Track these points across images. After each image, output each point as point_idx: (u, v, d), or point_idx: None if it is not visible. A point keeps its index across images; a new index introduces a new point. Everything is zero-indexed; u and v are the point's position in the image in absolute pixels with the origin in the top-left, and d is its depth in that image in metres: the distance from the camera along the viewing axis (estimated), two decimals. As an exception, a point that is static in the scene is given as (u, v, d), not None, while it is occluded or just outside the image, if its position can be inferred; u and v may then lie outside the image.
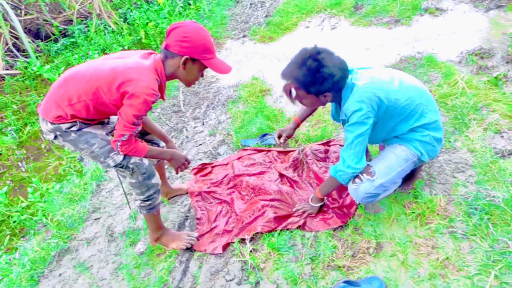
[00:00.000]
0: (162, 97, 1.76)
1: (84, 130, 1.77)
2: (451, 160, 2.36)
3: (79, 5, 5.40)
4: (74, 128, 1.75)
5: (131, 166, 1.81)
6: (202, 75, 1.82)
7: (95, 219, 2.41)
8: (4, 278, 2.11)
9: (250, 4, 5.60)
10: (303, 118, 2.38)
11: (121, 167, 1.81)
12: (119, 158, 1.78)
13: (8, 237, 2.49)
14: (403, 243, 1.91)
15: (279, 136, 2.33)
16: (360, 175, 1.91)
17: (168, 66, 1.72)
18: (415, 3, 4.65)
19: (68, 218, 2.42)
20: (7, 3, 4.78)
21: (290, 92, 1.88)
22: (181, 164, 2.02)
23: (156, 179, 1.93)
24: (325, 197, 2.18)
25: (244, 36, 4.72)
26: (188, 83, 1.81)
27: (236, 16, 5.29)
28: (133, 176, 1.84)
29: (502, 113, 2.64)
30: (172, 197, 2.47)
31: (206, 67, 1.74)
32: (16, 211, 2.65)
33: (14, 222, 2.59)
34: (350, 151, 1.84)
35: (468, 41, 3.74)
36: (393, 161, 1.92)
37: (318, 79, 1.75)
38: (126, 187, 2.41)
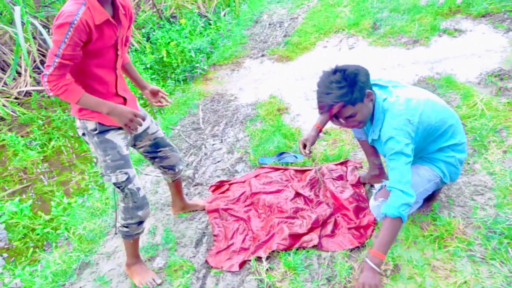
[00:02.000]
0: (104, 17, 1.59)
1: (106, 137, 1.80)
2: (470, 182, 2.35)
3: (104, 25, 5.59)
4: (97, 131, 1.79)
5: (126, 190, 1.85)
6: None
7: (116, 234, 2.46)
8: (26, 289, 2.17)
9: (269, 24, 5.71)
10: (324, 124, 2.27)
11: (118, 187, 1.85)
12: (122, 178, 1.82)
13: (31, 249, 2.57)
14: (421, 266, 1.90)
15: (304, 146, 2.19)
16: (380, 195, 1.92)
17: None
18: (434, 23, 4.67)
19: (89, 232, 2.48)
20: (38, 22, 5.00)
21: (337, 117, 1.85)
22: (129, 120, 1.74)
23: (144, 214, 1.93)
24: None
25: (262, 56, 4.80)
26: None
27: (255, 36, 5.40)
28: (124, 200, 1.89)
29: (522, 136, 2.62)
30: (188, 212, 2.52)
31: None
32: (40, 224, 2.73)
33: (37, 235, 2.67)
34: (404, 180, 1.75)
35: (487, 62, 3.73)
36: (416, 181, 1.91)
37: (351, 82, 1.74)
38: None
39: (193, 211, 2.53)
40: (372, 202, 1.97)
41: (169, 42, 4.73)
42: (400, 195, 1.73)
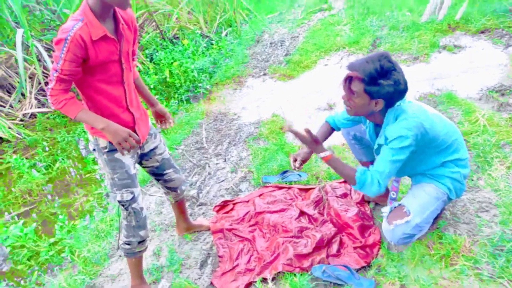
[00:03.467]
0: (101, 33, 1.60)
1: (115, 156, 1.83)
2: (474, 199, 2.34)
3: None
4: (107, 149, 1.82)
5: (130, 209, 1.89)
6: None
7: (120, 256, 2.46)
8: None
9: (270, 43, 5.79)
10: (322, 138, 2.25)
11: (123, 205, 1.88)
12: (127, 196, 1.86)
13: (36, 272, 2.56)
14: (428, 285, 1.88)
15: (294, 160, 2.19)
16: (394, 218, 1.90)
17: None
18: (433, 40, 4.73)
19: (94, 254, 2.48)
20: (41, 45, 5.09)
21: (351, 80, 1.79)
22: (122, 140, 1.70)
23: (144, 234, 1.97)
24: (324, 155, 1.93)
25: (264, 74, 4.86)
26: (119, 4, 1.58)
27: (257, 55, 5.47)
28: (127, 218, 1.92)
29: (525, 151, 2.62)
30: (193, 232, 2.51)
31: None
32: (44, 248, 2.73)
33: (42, 258, 2.67)
34: (382, 168, 1.79)
35: (488, 77, 3.76)
36: (425, 199, 1.92)
37: (385, 79, 1.71)
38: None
39: (197, 231, 2.52)
40: (385, 226, 1.94)
41: (172, 63, 4.80)
42: (375, 183, 1.79)
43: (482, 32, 4.80)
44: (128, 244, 1.97)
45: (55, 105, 1.63)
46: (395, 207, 1.94)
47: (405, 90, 1.78)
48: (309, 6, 7.24)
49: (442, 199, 1.94)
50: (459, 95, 3.52)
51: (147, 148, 2.00)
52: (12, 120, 4.90)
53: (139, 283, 2.11)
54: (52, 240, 2.78)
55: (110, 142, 1.79)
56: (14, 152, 4.24)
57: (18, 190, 3.55)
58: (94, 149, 1.86)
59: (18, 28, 5.17)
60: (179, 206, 2.38)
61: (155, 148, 2.04)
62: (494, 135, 2.82)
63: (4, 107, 5.05)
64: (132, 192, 1.87)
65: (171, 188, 2.21)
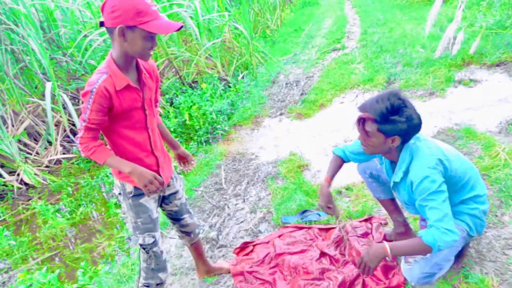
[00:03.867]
0: (124, 83, 1.68)
1: (140, 201, 1.88)
2: (500, 235, 2.28)
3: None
4: (132, 194, 1.88)
5: (151, 252, 1.94)
6: (153, 42, 1.67)
7: (141, 301, 2.46)
8: None
9: (286, 83, 5.93)
10: (332, 176, 2.24)
11: (144, 249, 1.93)
12: (149, 240, 1.91)
13: (59, 318, 2.58)
14: (456, 328, 1.81)
15: (328, 207, 2.16)
16: (410, 257, 1.87)
17: (114, 47, 1.66)
18: (448, 75, 4.77)
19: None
20: (67, 95, 5.36)
21: (364, 121, 1.85)
22: (148, 182, 1.75)
23: (164, 276, 2.01)
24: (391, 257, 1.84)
25: (281, 114, 4.95)
26: (141, 56, 1.68)
27: (273, 96, 5.59)
28: (147, 261, 1.97)
29: (550, 185, 2.56)
30: (213, 275, 2.50)
31: (150, 33, 1.61)
32: (67, 293, 2.76)
33: (65, 303, 2.69)
34: (440, 214, 1.73)
35: (506, 110, 3.74)
36: None
37: (397, 117, 1.74)
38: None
39: (218, 274, 2.51)
40: (403, 266, 1.92)
41: (191, 106, 4.95)
42: (445, 232, 1.70)
43: (497, 65, 4.82)
44: (147, 286, 2.01)
45: (85, 152, 1.71)
46: None
47: (419, 124, 1.80)
48: (322, 47, 7.44)
49: (461, 236, 1.90)
50: (478, 129, 3.50)
51: (168, 192, 2.06)
52: (38, 166, 5.08)
53: None
54: (74, 286, 2.81)
55: (135, 187, 1.85)
56: (39, 198, 4.37)
57: (43, 235, 3.63)
58: (120, 193, 1.92)
59: (46, 79, 5.47)
60: (196, 249, 2.40)
61: (176, 192, 2.09)
62: (516, 169, 2.78)
63: (31, 154, 5.25)
64: (153, 236, 1.92)
65: (185, 232, 2.25)
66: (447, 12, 6.91)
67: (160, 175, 1.91)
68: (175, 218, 2.17)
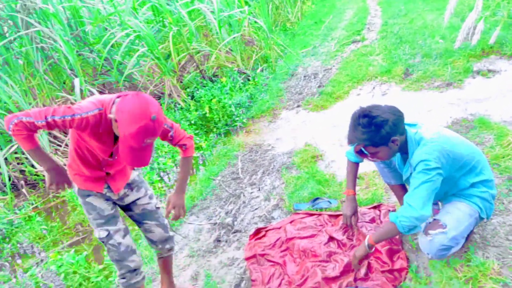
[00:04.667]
0: (99, 128, 1.77)
1: (87, 200, 1.99)
2: (505, 222, 2.33)
3: (153, 87, 6.15)
4: (78, 193, 2.00)
5: (108, 245, 2.02)
6: None
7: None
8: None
9: (304, 76, 6.01)
10: (354, 185, 2.47)
11: (102, 242, 2.03)
12: (102, 234, 1.99)
13: (87, 295, 2.79)
14: (455, 308, 1.90)
15: (350, 219, 2.46)
16: (432, 229, 1.96)
17: (111, 112, 1.74)
18: (467, 66, 4.74)
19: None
20: (95, 89, 5.61)
21: (361, 152, 2.03)
22: (56, 183, 1.87)
23: (131, 262, 2.04)
24: (375, 246, 2.12)
25: (298, 106, 5.04)
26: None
27: (291, 88, 5.69)
28: (109, 253, 2.05)
29: (560, 173, 2.58)
30: None
31: None
32: (94, 273, 2.97)
33: (92, 282, 2.90)
34: (416, 195, 1.89)
35: (523, 101, 3.72)
36: (460, 215, 1.99)
37: (375, 130, 1.89)
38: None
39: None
40: (422, 238, 2.01)
41: (211, 99, 5.11)
42: (404, 208, 1.90)
43: (518, 55, 4.75)
44: (123, 278, 2.07)
45: (13, 131, 1.68)
46: (429, 222, 2.01)
47: (399, 115, 1.94)
48: (342, 39, 7.45)
49: (474, 217, 2.00)
50: (493, 120, 3.50)
51: (127, 201, 2.13)
52: (67, 157, 5.36)
53: None
54: (101, 266, 3.02)
55: (79, 188, 1.98)
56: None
57: (72, 221, 3.88)
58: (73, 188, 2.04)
59: (73, 74, 5.74)
60: (164, 264, 2.35)
61: (137, 199, 2.14)
62: (527, 158, 2.80)
63: (61, 146, 5.54)
64: (107, 230, 2.00)
65: (151, 240, 2.24)
66: (469, 1, 6.79)
67: (108, 184, 2.02)
68: (137, 221, 2.20)
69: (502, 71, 4.48)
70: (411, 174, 2.01)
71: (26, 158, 5.03)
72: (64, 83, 6.22)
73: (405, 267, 2.19)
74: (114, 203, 2.10)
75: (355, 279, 2.20)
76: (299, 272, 2.35)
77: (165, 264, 2.35)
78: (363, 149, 2.00)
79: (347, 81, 5.35)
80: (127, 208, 2.17)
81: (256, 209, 3.17)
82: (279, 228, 2.78)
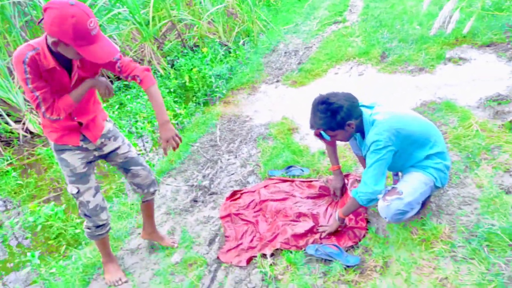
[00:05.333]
0: (50, 66, 1.74)
1: (62, 156, 2.04)
2: (459, 194, 2.57)
3: (132, 53, 6.10)
4: (54, 149, 2.06)
5: (78, 201, 2.14)
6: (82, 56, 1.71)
7: (139, 233, 2.76)
8: (61, 277, 2.48)
9: (285, 52, 6.11)
10: (337, 161, 2.69)
11: (74, 197, 2.14)
12: (73, 190, 2.09)
13: (64, 246, 2.89)
14: (408, 264, 2.12)
15: (334, 193, 2.71)
16: (389, 196, 2.17)
17: (47, 40, 1.71)
18: (440, 53, 4.95)
19: (116, 232, 2.79)
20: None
21: (321, 135, 2.33)
22: (105, 88, 1.92)
23: (98, 219, 2.17)
24: (345, 218, 2.39)
25: (277, 81, 5.16)
26: (73, 58, 1.76)
27: (271, 63, 5.79)
28: (79, 208, 2.17)
29: (512, 154, 2.83)
30: (152, 241, 2.63)
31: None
32: (71, 226, 3.06)
33: (69, 234, 3.00)
34: (370, 173, 2.15)
35: (488, 88, 3.96)
36: (415, 183, 2.20)
37: (332, 115, 2.13)
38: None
39: (156, 242, 2.62)
40: (380, 204, 2.21)
41: (191, 69, 5.15)
42: (361, 184, 2.18)
43: (488, 45, 5.00)
44: (88, 229, 2.23)
45: (52, 115, 1.80)
46: (388, 190, 2.21)
47: (353, 102, 2.18)
48: (324, 18, 7.55)
49: (429, 185, 2.21)
50: (458, 104, 3.74)
51: (106, 150, 2.18)
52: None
53: (108, 260, 2.42)
54: (78, 221, 3.11)
55: (55, 143, 2.02)
56: (44, 145, 4.63)
57: (48, 178, 3.92)
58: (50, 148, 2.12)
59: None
60: (146, 208, 2.49)
61: (116, 149, 2.20)
62: (485, 139, 3.04)
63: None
64: (77, 187, 2.09)
65: (137, 185, 2.32)
66: (449, -9, 6.99)
67: (84, 135, 2.06)
68: (124, 168, 2.26)
69: (472, 60, 4.72)
70: (366, 154, 2.24)
71: (0, 115, 4.97)
72: (41, 42, 6.09)
73: (364, 227, 2.41)
74: (89, 162, 2.13)
75: (320, 237, 2.40)
76: (270, 230, 2.53)
77: (148, 208, 2.49)
78: (322, 132, 2.28)
79: (326, 60, 5.49)
80: (109, 159, 2.23)
81: (232, 174, 3.32)
82: (254, 191, 2.94)
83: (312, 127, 2.27)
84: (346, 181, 2.87)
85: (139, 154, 2.33)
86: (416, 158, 2.24)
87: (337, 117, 2.13)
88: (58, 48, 1.68)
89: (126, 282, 2.38)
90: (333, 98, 2.14)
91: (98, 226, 2.22)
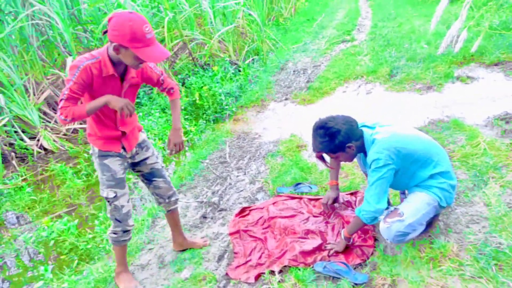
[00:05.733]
0: (109, 73, 1.98)
1: (104, 162, 2.20)
2: (467, 212, 2.58)
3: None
4: (97, 155, 2.21)
5: (112, 205, 2.26)
6: (141, 61, 1.94)
7: (149, 249, 2.81)
8: (73, 292, 2.52)
9: (294, 71, 6.21)
10: (336, 177, 2.77)
11: (108, 202, 2.26)
12: (110, 194, 2.22)
13: (76, 261, 2.94)
14: (416, 282, 2.12)
15: (327, 203, 2.75)
16: (390, 218, 2.20)
17: (109, 49, 1.95)
18: (448, 71, 5.01)
19: (127, 247, 2.83)
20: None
21: (322, 158, 2.42)
22: (124, 106, 1.97)
23: (127, 225, 2.32)
24: (351, 237, 2.42)
25: (286, 99, 5.24)
26: (131, 66, 1.99)
27: (280, 82, 5.88)
28: (111, 212, 2.29)
29: (520, 172, 2.84)
30: (183, 250, 2.72)
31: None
32: (84, 241, 3.11)
33: (81, 249, 3.04)
34: (371, 192, 2.19)
35: (496, 107, 3.98)
36: (418, 204, 2.22)
37: (330, 139, 2.21)
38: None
39: (191, 248, 2.71)
40: (382, 225, 2.24)
41: (202, 87, 5.25)
42: (364, 203, 2.21)
43: (496, 64, 5.05)
44: (115, 234, 2.34)
45: (65, 115, 1.92)
46: (391, 211, 2.23)
47: (351, 125, 2.24)
48: (332, 37, 7.67)
49: (433, 205, 2.22)
50: (466, 122, 3.76)
51: (138, 159, 2.36)
52: (57, 134, 5.44)
53: (121, 270, 2.49)
54: (90, 236, 3.16)
55: (100, 150, 2.19)
56: (57, 162, 4.73)
57: (61, 194, 4.00)
58: (91, 154, 2.26)
59: (67, 52, 5.80)
60: (172, 218, 2.64)
61: (146, 158, 2.38)
62: (493, 158, 3.05)
63: (50, 122, 5.62)
64: (115, 192, 2.23)
65: (159, 195, 2.50)
66: (457, 10, 7.07)
67: (122, 143, 2.25)
68: (147, 179, 2.44)
69: (480, 78, 4.76)
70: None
71: (16, 131, 5.10)
72: (55, 60, 6.26)
73: (372, 245, 2.42)
74: (125, 169, 2.31)
75: (329, 254, 2.42)
76: (278, 247, 2.55)
77: (174, 216, 2.65)
78: (324, 155, 2.34)
79: (334, 78, 5.57)
80: (138, 167, 2.40)
81: (241, 190, 3.36)
82: (262, 208, 2.98)
83: (314, 149, 2.35)
84: (354, 198, 2.90)
85: (163, 167, 2.50)
86: (419, 177, 2.26)
87: (335, 141, 2.21)
88: (119, 54, 1.91)
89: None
90: (331, 122, 2.22)
91: (125, 231, 2.35)
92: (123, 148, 2.27)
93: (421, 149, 2.21)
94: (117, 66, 2.02)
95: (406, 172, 2.23)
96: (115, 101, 1.98)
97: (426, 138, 2.31)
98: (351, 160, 2.39)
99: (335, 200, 2.76)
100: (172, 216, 2.64)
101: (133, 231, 2.94)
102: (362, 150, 2.31)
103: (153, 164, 2.41)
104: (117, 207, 2.27)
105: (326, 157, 2.47)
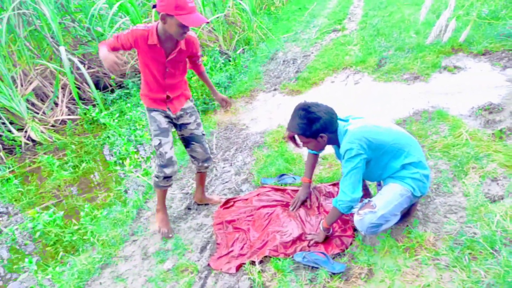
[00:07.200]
0: (153, 42, 2.34)
1: (151, 114, 2.60)
2: (446, 202, 2.62)
3: (134, 61, 6.22)
4: (147, 109, 2.63)
5: (157, 152, 2.60)
6: (185, 29, 2.25)
7: (133, 241, 2.84)
8: (56, 283, 2.55)
9: (283, 61, 6.19)
10: (310, 175, 2.81)
11: (155, 149, 2.60)
12: (156, 142, 2.57)
13: (61, 253, 2.96)
14: (392, 271, 2.17)
15: (300, 202, 2.80)
16: (362, 209, 2.23)
17: (159, 25, 2.33)
18: (435, 61, 5.01)
19: (111, 239, 2.86)
20: (77, 59, 5.64)
21: (293, 139, 2.41)
22: (109, 66, 2.23)
23: (168, 171, 2.63)
24: (331, 228, 2.46)
25: (275, 90, 5.24)
26: (175, 36, 2.30)
27: (270, 72, 5.87)
28: (157, 158, 2.62)
29: (500, 163, 2.87)
30: (203, 204, 3.10)
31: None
32: (69, 233, 3.14)
33: (66, 241, 3.07)
34: (346, 182, 2.22)
35: (480, 97, 4.00)
36: (390, 196, 2.25)
37: (308, 123, 2.22)
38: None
39: (208, 203, 3.09)
40: (355, 217, 2.28)
41: (191, 77, 5.24)
42: (340, 194, 2.25)
43: (483, 54, 5.05)
44: (157, 178, 2.67)
45: (99, 46, 2.34)
46: (365, 203, 2.26)
47: (331, 117, 2.25)
48: (323, 27, 7.64)
49: (406, 196, 2.25)
50: (451, 113, 3.78)
51: (181, 121, 2.72)
52: (45, 125, 5.43)
53: (162, 208, 2.85)
54: (75, 227, 3.18)
55: (147, 106, 2.61)
56: (45, 153, 4.73)
57: (48, 185, 4.01)
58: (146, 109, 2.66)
59: (55, 43, 5.75)
60: (200, 178, 3.01)
61: (188, 124, 2.73)
62: (474, 148, 3.08)
63: (38, 113, 5.59)
64: (159, 140, 2.57)
65: (194, 158, 2.86)
66: (447, -1, 7.06)
67: (167, 105, 2.62)
68: (186, 141, 2.80)
69: (467, 68, 4.77)
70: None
71: (3, 123, 5.08)
72: (44, 51, 6.21)
73: (351, 235, 2.46)
74: (170, 122, 2.67)
75: (308, 245, 2.46)
76: (260, 237, 2.59)
77: (201, 178, 3.02)
78: (295, 136, 2.36)
79: (324, 68, 5.56)
80: (180, 129, 2.76)
81: (226, 182, 3.38)
82: (246, 199, 3.01)
83: (288, 129, 2.36)
84: (336, 188, 2.93)
85: (204, 135, 2.84)
86: (392, 168, 2.29)
87: (312, 127, 2.22)
88: (165, 24, 2.23)
89: (171, 238, 2.79)
90: (314, 108, 2.22)
91: (165, 177, 2.66)
92: (168, 109, 2.62)
93: (391, 139, 2.23)
94: (164, 42, 2.36)
95: (378, 163, 2.27)
96: (104, 60, 2.25)
97: (398, 129, 2.34)
98: (318, 150, 2.45)
99: (304, 201, 2.82)
100: (201, 177, 3.01)
101: (117, 224, 2.97)
102: (334, 142, 2.33)
103: (193, 130, 2.75)
104: (162, 154, 2.58)
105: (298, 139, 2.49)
